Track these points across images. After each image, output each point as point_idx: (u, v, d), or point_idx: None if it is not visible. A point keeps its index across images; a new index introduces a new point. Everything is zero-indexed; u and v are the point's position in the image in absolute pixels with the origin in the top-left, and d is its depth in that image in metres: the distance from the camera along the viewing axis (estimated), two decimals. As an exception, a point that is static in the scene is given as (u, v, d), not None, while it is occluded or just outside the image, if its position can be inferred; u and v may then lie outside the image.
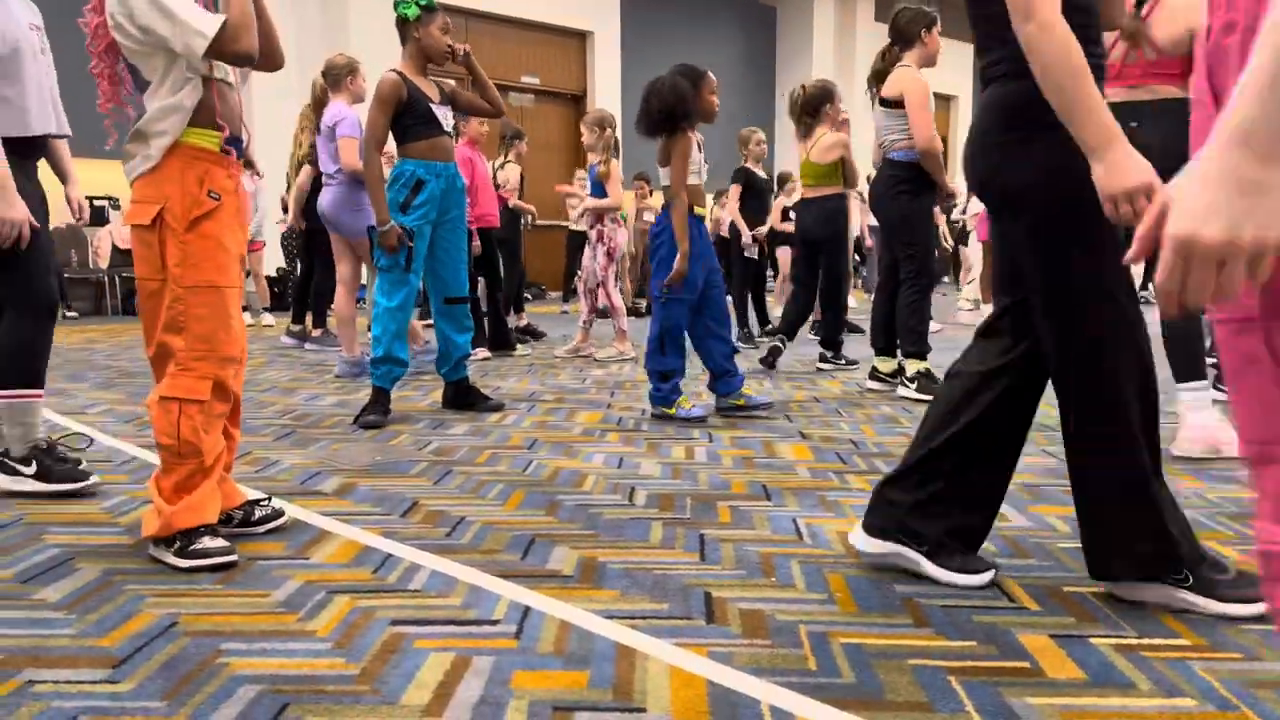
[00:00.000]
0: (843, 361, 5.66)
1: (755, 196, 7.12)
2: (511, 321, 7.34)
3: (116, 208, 10.26)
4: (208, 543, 2.16)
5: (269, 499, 2.49)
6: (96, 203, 10.19)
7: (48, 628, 1.81)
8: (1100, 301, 1.82)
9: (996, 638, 1.75)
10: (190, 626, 1.81)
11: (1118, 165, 1.57)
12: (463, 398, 4.21)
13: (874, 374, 4.84)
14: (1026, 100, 1.74)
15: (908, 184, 4.37)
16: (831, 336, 5.69)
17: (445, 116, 3.93)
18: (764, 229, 7.27)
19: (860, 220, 8.95)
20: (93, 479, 2.80)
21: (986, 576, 2.02)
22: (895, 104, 4.39)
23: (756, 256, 7.33)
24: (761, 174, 7.14)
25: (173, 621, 1.83)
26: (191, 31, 2.11)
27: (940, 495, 2.03)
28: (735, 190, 7.06)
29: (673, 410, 3.96)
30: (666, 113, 3.84)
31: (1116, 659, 1.66)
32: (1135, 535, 1.84)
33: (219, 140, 2.24)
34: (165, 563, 2.16)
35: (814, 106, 5.49)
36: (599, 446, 3.46)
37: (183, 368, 2.19)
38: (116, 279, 10.37)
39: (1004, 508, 2.61)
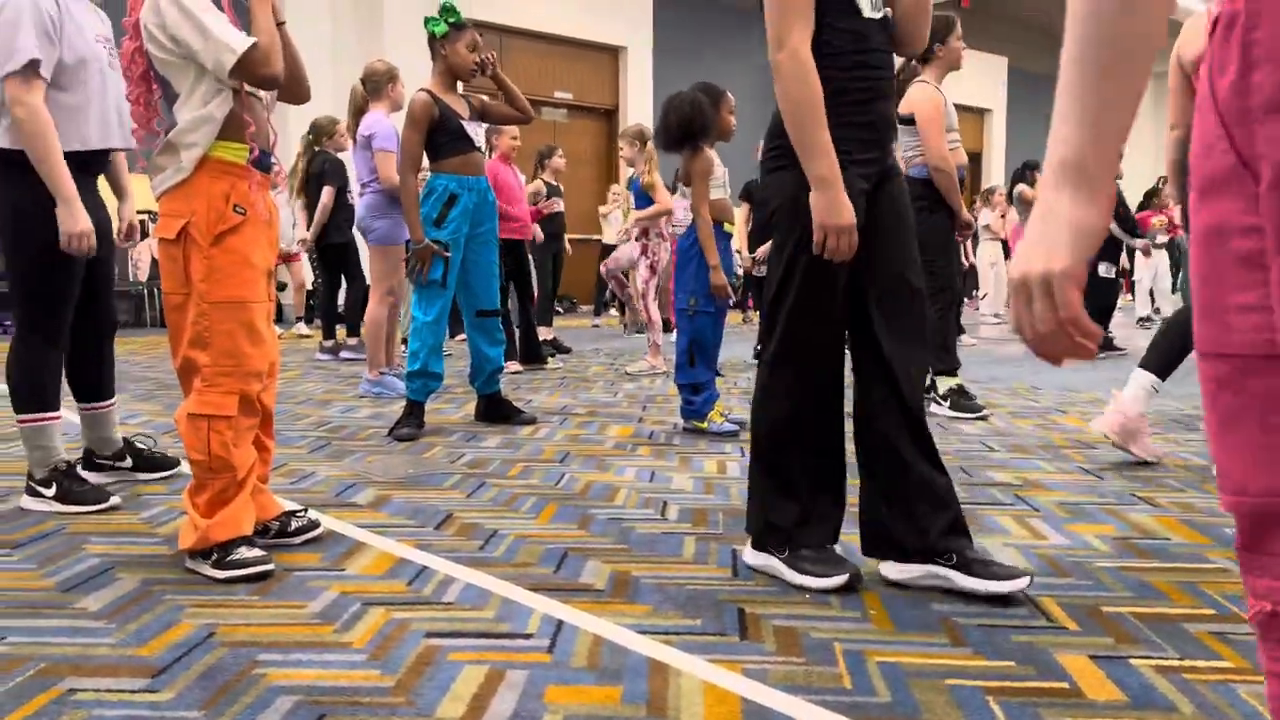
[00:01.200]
0: None
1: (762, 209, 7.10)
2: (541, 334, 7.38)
3: (155, 221, 10.43)
4: (244, 553, 2.18)
5: (305, 510, 2.51)
6: (139, 217, 10.37)
7: (88, 637, 1.83)
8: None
9: (1034, 657, 1.73)
10: (228, 637, 1.83)
11: (835, 202, 1.87)
12: (495, 411, 4.23)
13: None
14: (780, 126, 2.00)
15: (925, 200, 4.23)
16: None
17: (476, 132, 3.96)
18: (765, 248, 7.28)
19: None
20: (113, 500, 2.79)
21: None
22: (910, 121, 4.31)
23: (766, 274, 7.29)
24: None
25: (210, 632, 1.85)
26: (222, 47, 2.13)
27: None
28: (744, 211, 7.06)
29: (705, 424, 3.96)
30: (684, 127, 3.88)
31: (1158, 680, 1.63)
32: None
33: (247, 153, 2.24)
34: (202, 574, 2.18)
35: None
36: (631, 460, 3.46)
37: (208, 384, 2.19)
38: (155, 292, 10.52)
39: (1041, 527, 2.58)
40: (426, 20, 3.85)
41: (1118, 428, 3.28)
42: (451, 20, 3.82)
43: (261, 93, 2.33)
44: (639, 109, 14.12)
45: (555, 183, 7.70)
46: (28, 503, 2.78)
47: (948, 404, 4.41)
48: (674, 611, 1.96)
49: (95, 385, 3.05)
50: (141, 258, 10.51)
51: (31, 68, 2.56)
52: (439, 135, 3.85)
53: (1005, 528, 2.57)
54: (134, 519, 2.68)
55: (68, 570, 2.23)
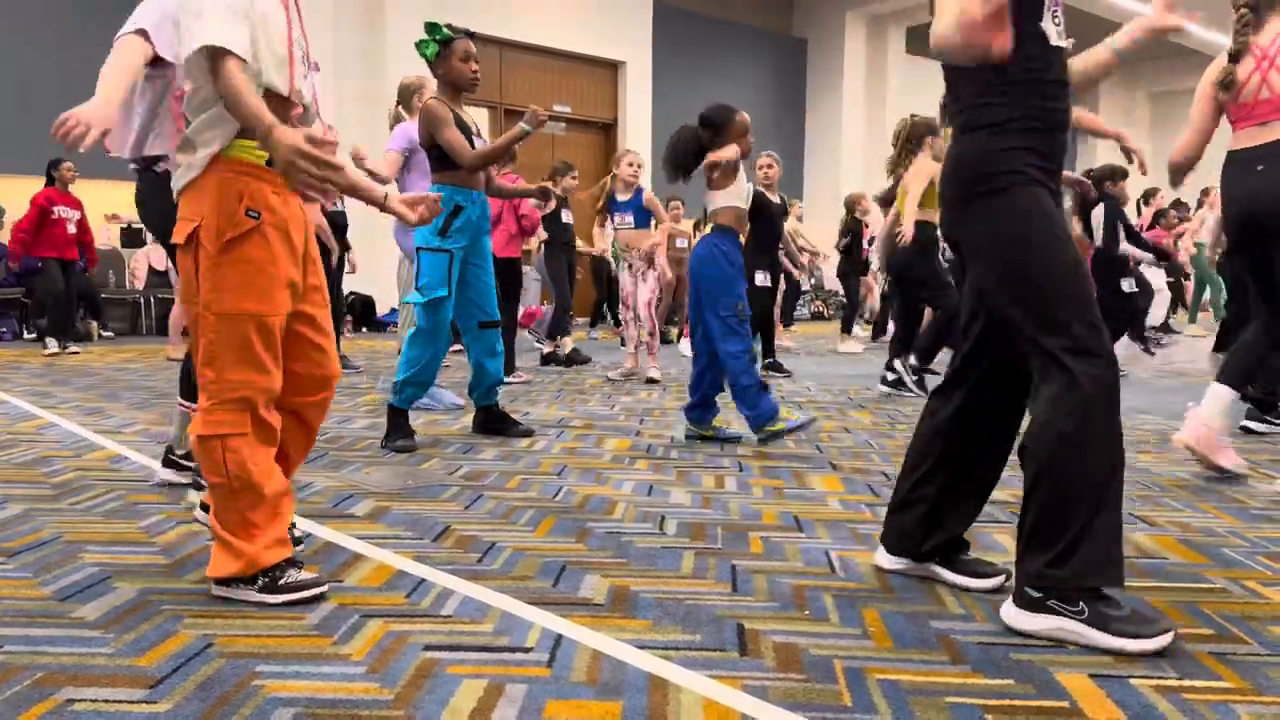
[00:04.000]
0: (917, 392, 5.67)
1: (765, 220, 7.06)
2: (548, 346, 7.39)
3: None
4: (297, 576, 2.09)
5: (293, 525, 2.42)
6: (135, 225, 10.36)
7: (86, 646, 1.83)
8: None
9: (1034, 676, 1.73)
10: (226, 648, 1.82)
11: None
12: (493, 423, 4.23)
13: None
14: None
15: None
16: (923, 362, 5.85)
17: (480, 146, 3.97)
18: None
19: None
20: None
21: (994, 581, 2.19)
22: None
23: (769, 284, 7.27)
24: (775, 198, 7.10)
25: (209, 642, 1.85)
26: (198, 33, 1.91)
27: (930, 515, 2.22)
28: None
29: (780, 424, 3.95)
30: (683, 162, 3.98)
31: (1158, 701, 1.63)
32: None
33: (267, 154, 2.00)
34: (248, 601, 2.06)
35: (920, 135, 5.60)
36: (629, 474, 3.46)
37: (216, 401, 2.03)
38: (152, 300, 10.52)
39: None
40: (418, 45, 3.85)
41: (1199, 439, 3.31)
42: (439, 38, 3.82)
43: (303, 89, 2.14)
44: (637, 123, 14.19)
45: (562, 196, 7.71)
46: (164, 474, 3.13)
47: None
48: (673, 626, 1.96)
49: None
50: (139, 266, 10.50)
51: None
52: (441, 148, 3.83)
53: (1003, 545, 2.57)
54: (132, 528, 2.67)
55: (65, 579, 2.22)
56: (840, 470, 3.56)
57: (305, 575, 2.11)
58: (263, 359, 2.06)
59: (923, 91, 17.81)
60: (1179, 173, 3.65)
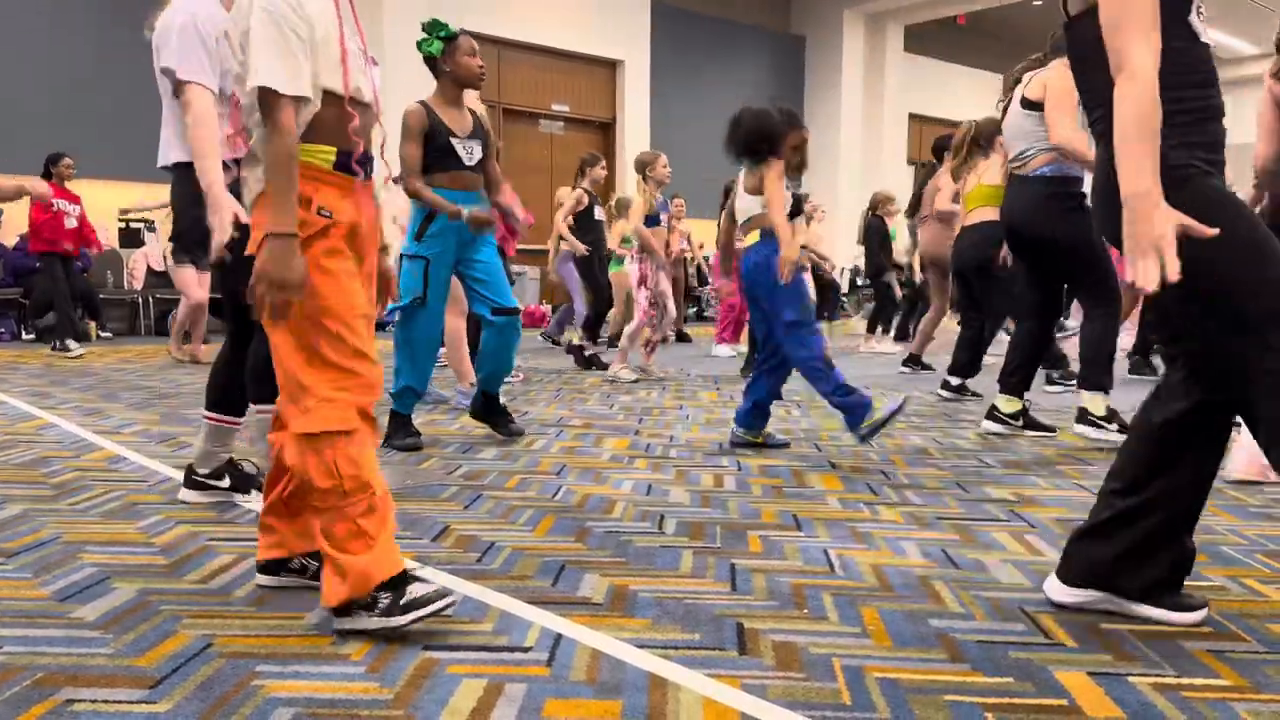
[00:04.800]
0: (966, 395, 5.51)
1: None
2: (589, 349, 7.25)
3: (152, 230, 10.42)
4: (420, 590, 1.91)
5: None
6: (132, 225, 10.36)
7: (85, 646, 1.83)
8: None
9: (1033, 674, 1.73)
10: (225, 648, 1.82)
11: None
12: (489, 410, 4.15)
13: (992, 414, 4.35)
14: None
15: (1063, 200, 3.88)
16: (966, 376, 5.51)
17: (469, 150, 3.88)
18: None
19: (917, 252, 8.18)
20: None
21: (1200, 614, 1.99)
22: (1036, 105, 3.90)
23: None
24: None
25: (208, 643, 1.85)
26: (250, 71, 1.85)
27: (1140, 549, 1.98)
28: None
29: (878, 415, 3.62)
30: (756, 136, 3.76)
31: (1156, 698, 1.63)
32: None
33: (332, 156, 1.96)
34: (368, 631, 1.88)
35: (989, 136, 5.42)
36: (628, 473, 3.46)
37: (322, 399, 1.91)
38: (150, 300, 10.51)
39: (1038, 543, 2.59)
40: (420, 44, 3.82)
41: (1251, 465, 3.23)
42: (443, 34, 3.80)
43: (366, 95, 2.04)
44: (636, 122, 14.19)
45: (593, 192, 7.63)
46: (187, 495, 2.99)
47: (1114, 426, 3.94)
48: (672, 625, 1.96)
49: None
50: (137, 266, 10.49)
51: None
52: (428, 150, 3.80)
53: (1001, 544, 2.57)
54: (131, 528, 2.67)
55: (64, 579, 2.22)
56: (839, 469, 3.56)
57: (428, 587, 1.92)
58: (357, 354, 1.96)
59: (921, 89, 17.87)
60: (1272, 179, 3.65)
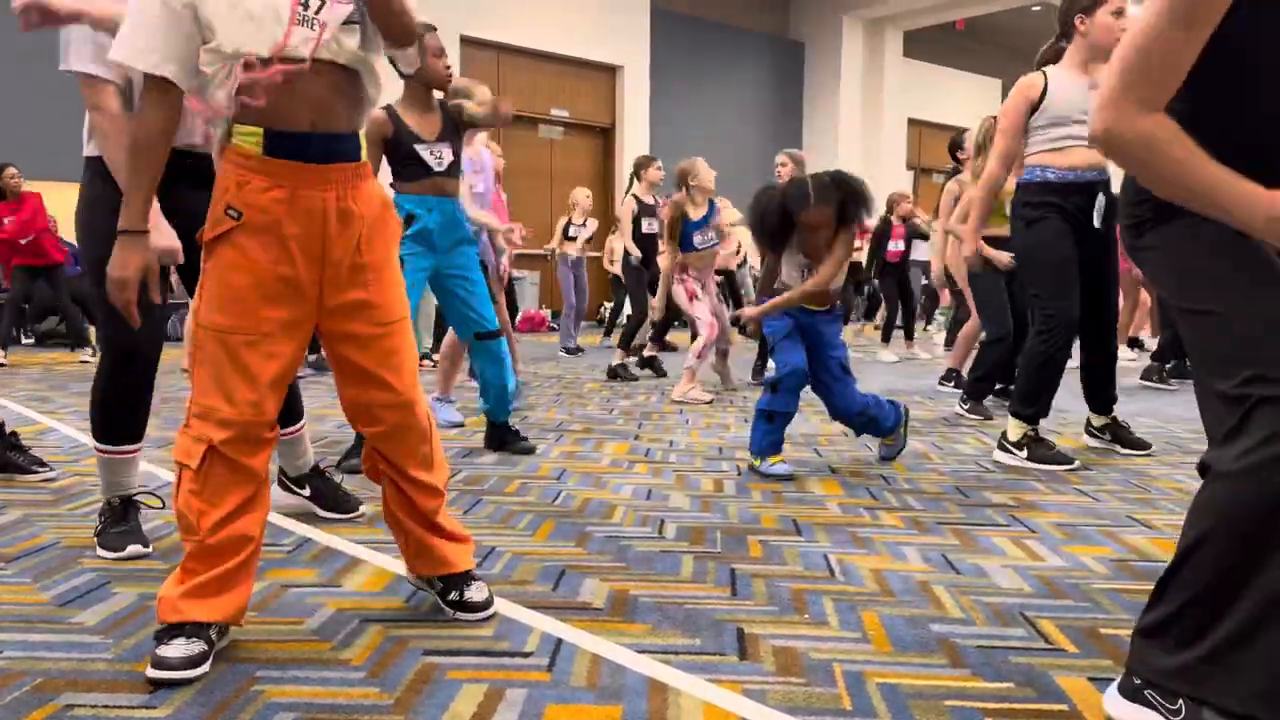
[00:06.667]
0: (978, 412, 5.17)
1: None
2: (618, 357, 7.10)
3: (151, 234, 10.40)
4: (180, 649, 1.71)
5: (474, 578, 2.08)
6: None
7: (85, 652, 1.83)
8: None
9: (1034, 680, 1.73)
10: (225, 653, 1.82)
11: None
12: (501, 440, 4.06)
13: (1088, 429, 4.17)
14: None
15: (1033, 209, 3.71)
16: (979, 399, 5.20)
17: (437, 155, 3.77)
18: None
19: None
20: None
21: None
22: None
23: None
24: None
25: (208, 647, 1.84)
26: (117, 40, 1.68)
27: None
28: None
29: (897, 434, 3.77)
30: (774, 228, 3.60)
31: (1157, 704, 1.63)
32: None
33: (259, 139, 1.71)
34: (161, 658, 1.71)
35: None
36: (628, 478, 3.46)
37: (185, 424, 1.78)
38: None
39: (1038, 548, 2.59)
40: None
41: None
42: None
43: (301, 49, 1.70)
44: (635, 127, 14.20)
45: (652, 199, 7.36)
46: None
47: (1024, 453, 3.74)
48: (673, 631, 1.96)
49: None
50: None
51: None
52: (393, 157, 3.72)
53: (1002, 549, 2.57)
54: (130, 533, 2.66)
55: (64, 584, 2.22)
56: (839, 474, 3.56)
57: (184, 651, 1.70)
58: (232, 384, 1.73)
59: (920, 94, 17.90)
60: None
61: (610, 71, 14.15)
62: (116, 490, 2.59)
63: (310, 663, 1.79)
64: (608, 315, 10.94)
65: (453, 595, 2.03)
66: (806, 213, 3.46)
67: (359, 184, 1.82)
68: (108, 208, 2.12)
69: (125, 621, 1.98)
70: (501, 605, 2.10)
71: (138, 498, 2.62)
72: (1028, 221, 3.71)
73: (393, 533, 2.09)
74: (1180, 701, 1.45)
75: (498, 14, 12.40)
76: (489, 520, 2.84)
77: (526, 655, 1.83)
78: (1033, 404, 3.75)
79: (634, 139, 14.07)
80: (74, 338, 8.22)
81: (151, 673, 1.69)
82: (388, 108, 3.74)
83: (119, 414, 2.62)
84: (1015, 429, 3.78)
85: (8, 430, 3.41)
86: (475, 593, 2.03)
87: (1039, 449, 3.72)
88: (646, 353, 7.33)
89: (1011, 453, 3.77)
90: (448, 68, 3.74)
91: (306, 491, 2.94)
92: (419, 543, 2.04)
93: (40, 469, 3.32)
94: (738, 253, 8.77)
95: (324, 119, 1.75)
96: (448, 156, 3.82)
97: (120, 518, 2.55)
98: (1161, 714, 1.47)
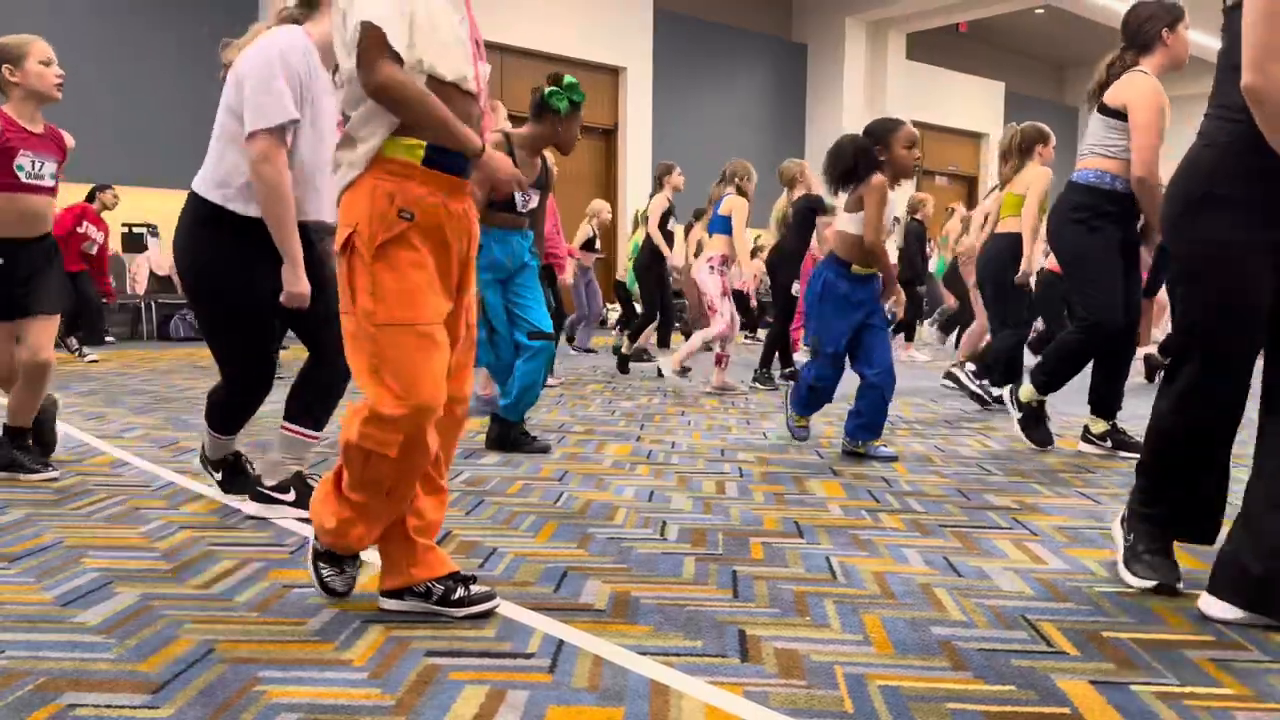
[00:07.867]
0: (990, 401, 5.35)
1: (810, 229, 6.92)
2: (625, 347, 7.37)
3: (155, 234, 10.42)
4: (340, 573, 2.12)
5: (473, 579, 2.11)
6: (135, 229, 10.37)
7: (88, 651, 1.83)
8: None
9: (1036, 683, 1.73)
10: (228, 653, 1.82)
11: None
12: (509, 440, 4.04)
13: (1085, 435, 4.21)
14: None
15: (1085, 213, 3.71)
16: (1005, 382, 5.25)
17: (526, 199, 3.92)
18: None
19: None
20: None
21: None
22: (1115, 114, 3.64)
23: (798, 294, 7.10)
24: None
25: (210, 648, 1.85)
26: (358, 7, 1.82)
27: None
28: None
29: (871, 447, 3.94)
30: (848, 171, 3.89)
31: (1159, 707, 1.63)
32: None
33: (421, 151, 1.90)
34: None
35: (1029, 144, 5.21)
36: (629, 479, 3.46)
37: (373, 419, 1.89)
38: (153, 305, 10.52)
39: (1040, 550, 2.59)
40: (548, 94, 3.75)
41: None
42: (576, 99, 3.79)
43: (472, 84, 1.99)
44: (638, 129, 14.20)
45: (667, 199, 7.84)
46: (251, 508, 2.91)
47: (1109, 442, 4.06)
48: (675, 632, 1.96)
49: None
50: (140, 270, 10.50)
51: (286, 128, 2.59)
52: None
53: (1003, 551, 2.57)
54: (133, 533, 2.67)
55: (66, 584, 2.22)
56: (841, 476, 3.57)
57: (336, 577, 2.12)
58: (421, 372, 1.88)
59: (923, 97, 17.88)
60: None
61: (613, 73, 14.15)
62: (281, 473, 2.92)
63: (313, 663, 1.79)
64: (617, 323, 11.02)
65: (460, 592, 2.04)
66: (895, 135, 3.82)
67: (471, 199, 2.07)
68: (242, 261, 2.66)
69: (128, 621, 1.98)
70: (503, 607, 2.10)
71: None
72: (1090, 227, 3.71)
73: (390, 552, 2.09)
74: None
75: (500, 15, 12.40)
76: (491, 521, 2.84)
77: (528, 656, 1.83)
78: (1047, 376, 3.99)
79: (636, 141, 14.07)
80: (95, 337, 8.23)
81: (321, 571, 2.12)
82: (506, 136, 3.84)
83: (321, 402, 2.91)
84: (1027, 393, 4.09)
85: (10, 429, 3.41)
86: (478, 586, 2.08)
87: (1034, 428, 4.15)
88: (639, 344, 7.54)
89: (1096, 444, 4.10)
90: (576, 140, 3.90)
91: (219, 476, 3.10)
92: (424, 548, 2.08)
93: (44, 469, 3.33)
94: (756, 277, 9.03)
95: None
96: (533, 203, 4.00)
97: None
98: None
